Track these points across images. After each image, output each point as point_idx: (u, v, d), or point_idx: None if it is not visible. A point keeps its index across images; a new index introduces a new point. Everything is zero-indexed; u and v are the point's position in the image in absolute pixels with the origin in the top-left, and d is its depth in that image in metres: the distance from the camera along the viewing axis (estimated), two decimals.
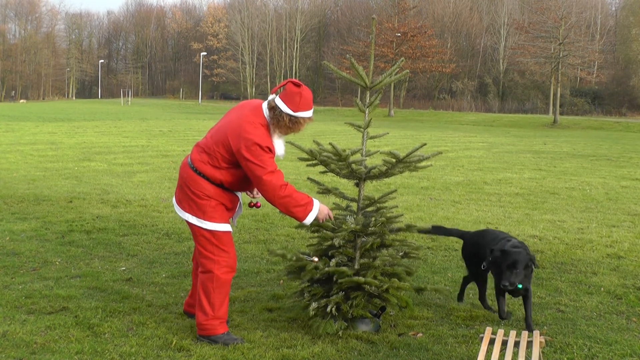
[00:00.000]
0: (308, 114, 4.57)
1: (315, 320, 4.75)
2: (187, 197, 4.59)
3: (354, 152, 4.87)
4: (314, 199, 4.60)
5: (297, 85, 4.52)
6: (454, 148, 22.95)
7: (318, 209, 4.58)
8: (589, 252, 7.52)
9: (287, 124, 4.53)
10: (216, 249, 4.56)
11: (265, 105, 4.57)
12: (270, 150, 4.46)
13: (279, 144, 4.62)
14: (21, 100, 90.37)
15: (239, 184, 4.64)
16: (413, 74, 62.29)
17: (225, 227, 4.61)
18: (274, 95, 4.57)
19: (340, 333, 4.71)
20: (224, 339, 4.57)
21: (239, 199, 4.80)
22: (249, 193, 4.86)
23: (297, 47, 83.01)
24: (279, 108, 4.49)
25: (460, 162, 17.72)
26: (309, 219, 4.55)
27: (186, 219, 4.64)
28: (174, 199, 4.81)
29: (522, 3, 72.29)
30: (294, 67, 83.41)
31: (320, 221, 4.65)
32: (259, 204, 4.91)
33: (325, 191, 5.14)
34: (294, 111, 4.49)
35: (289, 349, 4.50)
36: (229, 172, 4.53)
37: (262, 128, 4.49)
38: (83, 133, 25.35)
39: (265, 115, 4.53)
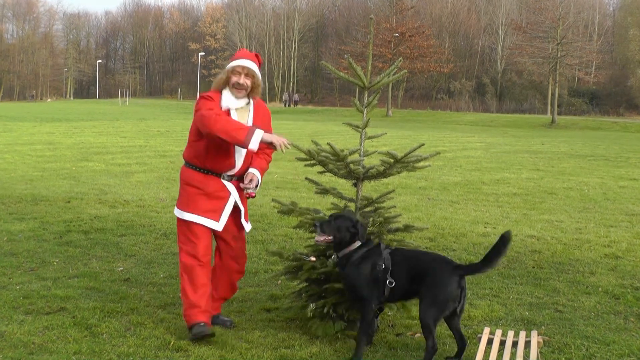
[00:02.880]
0: (235, 62, 4.68)
1: (313, 320, 4.75)
2: (179, 193, 4.81)
3: (352, 152, 4.87)
4: (252, 126, 4.51)
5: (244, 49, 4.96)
6: (452, 148, 22.96)
7: (261, 132, 4.40)
8: (587, 252, 7.53)
9: (222, 78, 4.70)
10: (184, 238, 4.70)
11: None
12: (211, 97, 4.64)
13: (227, 97, 4.68)
14: (48, 99, 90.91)
15: (208, 157, 4.64)
16: (411, 74, 62.28)
17: (195, 218, 4.62)
18: None
19: (338, 334, 4.71)
20: (194, 330, 4.55)
21: (227, 190, 4.71)
22: (241, 183, 4.78)
23: (295, 47, 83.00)
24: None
25: (458, 162, 17.73)
26: (253, 142, 4.34)
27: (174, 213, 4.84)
28: None
29: (519, 3, 72.35)
30: (292, 67, 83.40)
31: (278, 147, 4.46)
32: (252, 194, 4.82)
33: (323, 191, 5.14)
34: (230, 62, 4.72)
35: (287, 349, 4.50)
36: (195, 144, 4.68)
37: (215, 92, 4.72)
38: (81, 133, 25.32)
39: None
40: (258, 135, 4.38)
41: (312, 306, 4.73)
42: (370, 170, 4.90)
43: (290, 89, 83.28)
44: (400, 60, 5.20)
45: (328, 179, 7.89)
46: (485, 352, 3.93)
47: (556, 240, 8.11)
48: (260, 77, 4.80)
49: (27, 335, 4.60)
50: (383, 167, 4.87)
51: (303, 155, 4.93)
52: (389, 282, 4.35)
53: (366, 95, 5.12)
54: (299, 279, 4.93)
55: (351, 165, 4.83)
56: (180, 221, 4.73)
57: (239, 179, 4.80)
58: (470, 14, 78.05)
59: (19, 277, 6.00)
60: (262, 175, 4.89)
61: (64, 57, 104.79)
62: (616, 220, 9.68)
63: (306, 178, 5.45)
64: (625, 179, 14.88)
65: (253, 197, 4.86)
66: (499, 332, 4.19)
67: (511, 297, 5.80)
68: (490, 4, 77.13)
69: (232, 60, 4.73)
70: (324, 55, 75.57)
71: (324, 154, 4.84)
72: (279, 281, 6.00)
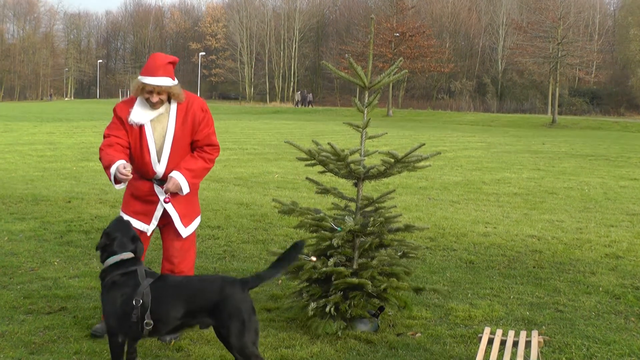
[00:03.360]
0: (145, 79, 4.39)
1: (314, 320, 4.75)
2: None
3: (352, 152, 4.87)
4: (116, 163, 4.30)
5: (154, 53, 4.55)
6: (453, 148, 22.95)
7: (115, 168, 4.29)
8: (588, 252, 7.53)
9: (134, 87, 4.48)
10: None
11: None
12: (116, 112, 4.55)
13: (137, 112, 4.49)
14: (66, 98, 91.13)
15: (133, 162, 4.61)
16: (411, 74, 62.23)
17: (131, 220, 4.55)
18: None
19: (339, 333, 4.71)
20: (97, 326, 4.64)
21: (154, 192, 4.63)
22: (162, 186, 4.65)
23: (295, 47, 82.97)
24: None
25: (459, 162, 17.72)
26: (111, 175, 4.34)
27: None
28: None
29: (520, 3, 72.27)
30: (292, 67, 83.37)
31: (121, 181, 4.33)
32: (166, 199, 4.62)
33: (323, 191, 5.15)
34: (140, 75, 4.45)
35: (287, 349, 4.50)
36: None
37: (131, 96, 4.61)
38: (81, 133, 25.32)
39: None
40: (112, 176, 4.33)
41: (312, 305, 4.73)
42: (371, 170, 4.90)
43: (291, 89, 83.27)
44: (400, 60, 5.20)
45: (329, 179, 7.89)
46: (485, 352, 3.93)
47: (557, 240, 8.11)
48: (176, 86, 4.52)
49: (28, 335, 4.60)
50: (384, 167, 4.87)
51: (304, 155, 4.93)
52: (146, 323, 3.74)
53: (367, 95, 5.12)
54: (300, 278, 4.94)
55: (352, 165, 4.83)
56: None
57: (164, 181, 4.66)
58: (471, 14, 78.01)
59: (19, 277, 6.01)
60: (190, 176, 4.62)
61: (64, 57, 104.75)
62: (617, 220, 9.67)
63: (307, 178, 5.45)
64: (626, 179, 14.87)
65: (166, 202, 4.62)
66: (499, 332, 4.18)
67: (512, 296, 5.80)
68: (491, 4, 77.06)
69: (142, 72, 4.45)
70: (325, 55, 75.55)
71: (324, 153, 4.85)
72: (280, 281, 6.00)
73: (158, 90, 4.40)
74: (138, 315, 3.73)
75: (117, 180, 4.35)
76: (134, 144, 4.53)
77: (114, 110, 4.58)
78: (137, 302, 3.74)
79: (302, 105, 70.59)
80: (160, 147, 4.57)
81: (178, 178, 4.58)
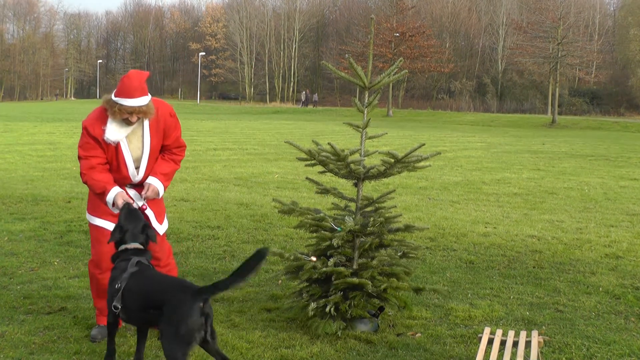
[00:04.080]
0: (122, 101, 4.33)
1: (314, 320, 4.75)
2: (88, 196, 4.81)
3: (352, 152, 4.87)
4: (112, 190, 4.44)
5: (128, 73, 4.44)
6: (453, 148, 22.95)
7: (111, 200, 4.44)
8: (588, 252, 7.53)
9: (110, 108, 4.40)
10: (91, 242, 4.77)
11: None
12: (88, 131, 4.45)
13: (112, 129, 4.44)
14: (72, 98, 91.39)
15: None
16: (411, 74, 62.27)
17: (101, 222, 4.64)
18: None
19: (339, 333, 4.71)
20: (93, 332, 4.64)
21: (132, 198, 4.63)
22: (137, 190, 4.71)
23: (295, 47, 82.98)
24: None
25: (459, 162, 17.72)
26: (108, 203, 4.48)
27: None
28: None
29: (520, 3, 72.27)
30: (292, 67, 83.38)
31: (119, 205, 4.41)
32: (143, 207, 4.67)
33: (323, 191, 5.15)
34: (115, 96, 4.37)
35: (287, 349, 4.50)
36: None
37: (98, 112, 4.51)
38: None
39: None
40: (110, 204, 4.45)
41: (312, 305, 4.73)
42: (371, 170, 4.90)
43: (292, 89, 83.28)
44: (400, 60, 5.20)
45: (329, 179, 7.89)
46: (485, 352, 3.93)
47: (557, 240, 8.11)
48: (151, 102, 4.49)
49: (28, 335, 4.60)
50: (384, 167, 4.87)
51: (304, 155, 4.93)
52: (114, 306, 3.95)
53: (367, 95, 5.12)
54: (300, 278, 4.94)
55: (352, 165, 4.83)
56: (90, 226, 4.77)
57: (141, 187, 4.72)
58: (471, 14, 78.01)
59: (19, 277, 6.01)
60: (165, 180, 4.73)
61: (64, 57, 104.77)
62: (617, 220, 9.67)
63: (307, 178, 5.45)
64: (626, 179, 14.87)
65: (144, 209, 4.65)
66: (499, 332, 4.18)
67: (512, 297, 5.80)
68: (491, 4, 77.06)
69: (117, 92, 4.35)
70: (325, 55, 75.56)
71: (324, 153, 4.85)
72: (280, 281, 6.00)
73: (137, 110, 4.38)
74: (114, 298, 3.96)
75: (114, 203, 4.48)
76: (110, 159, 4.55)
77: (85, 128, 4.46)
78: (118, 286, 3.98)
79: (306, 105, 70.54)
80: (138, 159, 4.62)
81: (156, 184, 4.67)
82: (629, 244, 8.00)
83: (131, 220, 4.25)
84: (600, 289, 6.08)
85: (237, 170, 14.64)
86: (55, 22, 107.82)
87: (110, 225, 4.60)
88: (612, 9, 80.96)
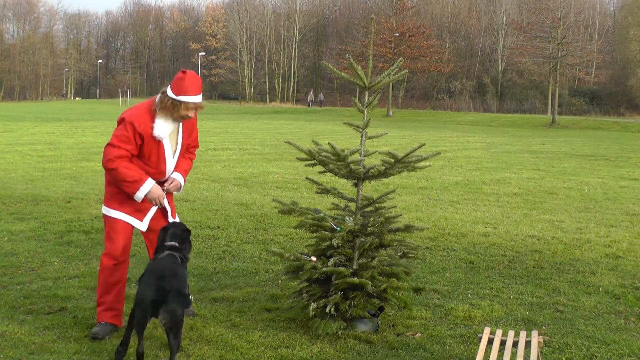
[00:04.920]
0: (189, 98, 4.61)
1: (314, 320, 4.75)
2: (106, 189, 4.87)
3: (352, 152, 4.87)
4: (149, 180, 4.68)
5: (183, 72, 4.69)
6: (453, 148, 22.96)
7: (148, 190, 4.67)
8: (588, 252, 7.53)
9: (167, 106, 4.62)
10: (106, 233, 4.80)
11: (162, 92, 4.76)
12: (134, 126, 4.58)
13: (162, 126, 4.66)
14: (77, 98, 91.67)
15: (142, 167, 4.77)
16: (411, 74, 62.29)
17: (119, 214, 4.75)
18: None
19: (339, 333, 4.71)
20: (95, 328, 4.66)
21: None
22: (164, 186, 4.92)
23: (295, 47, 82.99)
24: (165, 92, 4.65)
25: (459, 162, 17.73)
26: (137, 196, 4.67)
27: None
28: None
29: (520, 3, 72.29)
30: (292, 67, 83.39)
31: (152, 203, 4.75)
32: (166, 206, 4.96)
33: (323, 191, 5.15)
34: (176, 95, 4.60)
35: (287, 349, 4.50)
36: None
37: (144, 109, 4.68)
38: (81, 133, 25.34)
39: (156, 100, 4.70)
40: (143, 193, 4.66)
41: (313, 306, 4.73)
42: (371, 170, 4.90)
43: (291, 89, 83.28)
44: (400, 60, 5.20)
45: (329, 179, 7.90)
46: (485, 352, 3.93)
47: (557, 240, 8.11)
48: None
49: (28, 335, 4.60)
50: (384, 167, 4.87)
51: (304, 155, 4.93)
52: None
53: (367, 95, 5.12)
54: (300, 278, 4.94)
55: (352, 165, 4.83)
56: (104, 218, 4.83)
57: (164, 181, 4.94)
58: (471, 14, 78.01)
59: (19, 277, 6.01)
60: (185, 176, 5.06)
61: (64, 57, 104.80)
62: (617, 220, 9.67)
63: (307, 178, 5.45)
64: (626, 179, 14.87)
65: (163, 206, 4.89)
66: (499, 332, 4.18)
67: (512, 297, 5.80)
68: (491, 4, 77.07)
69: (179, 91, 4.59)
70: (325, 55, 75.56)
71: (324, 153, 4.85)
72: (280, 281, 6.00)
73: (199, 106, 4.71)
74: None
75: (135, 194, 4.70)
76: (149, 154, 4.71)
77: (131, 123, 4.59)
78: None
79: (312, 105, 70.55)
80: (173, 156, 4.86)
81: (180, 179, 4.98)
82: (629, 244, 8.00)
83: (175, 225, 4.76)
84: (600, 289, 6.08)
85: (237, 170, 14.64)
86: (55, 22, 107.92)
87: (127, 218, 4.75)
88: (612, 9, 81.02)
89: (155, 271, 4.25)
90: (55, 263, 6.53)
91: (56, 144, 20.07)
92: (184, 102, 4.60)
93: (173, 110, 4.62)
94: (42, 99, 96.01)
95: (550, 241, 8.05)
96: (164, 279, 4.11)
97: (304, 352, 4.45)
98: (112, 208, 4.78)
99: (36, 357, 4.27)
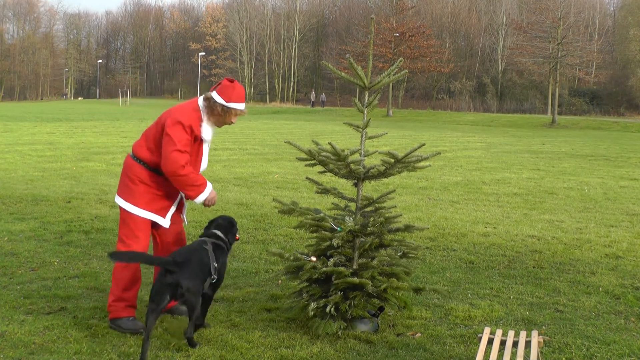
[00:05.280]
0: (239, 106, 4.86)
1: (314, 320, 4.75)
2: (123, 184, 4.91)
3: (352, 152, 4.87)
4: (208, 183, 4.89)
5: (231, 81, 4.91)
6: (453, 148, 22.96)
7: (209, 192, 4.87)
8: (588, 252, 7.53)
9: (219, 113, 4.83)
10: (130, 232, 4.82)
11: (200, 97, 4.93)
12: (192, 130, 4.74)
13: (207, 130, 4.86)
14: (79, 98, 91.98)
15: None
16: (411, 74, 62.28)
17: (145, 214, 4.83)
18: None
19: (339, 333, 4.72)
20: (126, 324, 4.71)
21: (178, 193, 4.97)
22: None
23: (295, 47, 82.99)
24: (213, 99, 4.83)
25: (459, 162, 17.73)
26: (199, 199, 4.84)
27: (117, 202, 4.92)
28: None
29: (520, 3, 72.30)
30: (292, 67, 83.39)
31: (205, 204, 4.91)
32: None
33: (323, 191, 5.15)
34: (226, 102, 4.81)
35: (287, 349, 4.50)
36: (160, 153, 4.79)
37: (194, 112, 4.82)
38: (81, 133, 25.33)
39: (200, 105, 4.85)
40: (204, 195, 4.84)
41: (313, 305, 4.73)
42: (371, 170, 4.90)
43: (291, 89, 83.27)
44: (400, 60, 5.20)
45: (329, 179, 7.90)
46: (485, 352, 3.93)
47: (557, 240, 8.11)
48: None
49: (28, 335, 4.60)
50: (384, 167, 4.87)
51: (304, 155, 4.93)
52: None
53: (367, 95, 5.12)
54: (300, 278, 4.94)
55: (352, 165, 4.83)
56: (127, 215, 4.85)
57: None
58: (471, 14, 78.03)
59: (19, 277, 6.01)
60: None
61: (64, 57, 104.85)
62: (617, 220, 9.68)
63: (307, 178, 5.45)
64: (626, 179, 14.87)
65: (187, 199, 5.06)
66: (499, 332, 4.18)
67: (512, 297, 5.80)
68: (491, 4, 77.08)
69: (230, 99, 4.81)
70: (325, 55, 75.58)
71: (324, 153, 4.85)
72: (280, 281, 6.00)
73: (242, 114, 4.96)
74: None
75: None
76: (191, 156, 4.84)
77: (190, 127, 4.73)
78: None
79: (314, 105, 70.50)
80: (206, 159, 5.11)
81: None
82: (629, 244, 8.00)
83: (223, 218, 5.14)
84: (600, 289, 6.08)
85: (237, 170, 14.64)
86: (55, 22, 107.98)
87: (153, 216, 4.86)
88: (612, 9, 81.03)
89: (179, 251, 4.63)
90: (55, 263, 6.53)
91: (56, 144, 20.06)
92: (234, 109, 4.83)
93: (223, 116, 4.84)
94: (42, 99, 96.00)
95: (550, 241, 8.05)
96: (181, 255, 4.49)
97: (304, 352, 4.45)
98: (140, 207, 4.82)
99: (36, 357, 4.27)
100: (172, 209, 4.99)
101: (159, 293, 4.29)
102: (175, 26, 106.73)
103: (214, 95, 4.81)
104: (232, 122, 4.93)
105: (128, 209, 4.83)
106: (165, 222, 4.93)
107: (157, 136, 4.80)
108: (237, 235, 5.12)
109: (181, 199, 5.05)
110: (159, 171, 4.81)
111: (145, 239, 4.87)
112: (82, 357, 4.30)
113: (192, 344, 4.44)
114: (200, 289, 4.44)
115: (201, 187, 4.81)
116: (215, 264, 4.64)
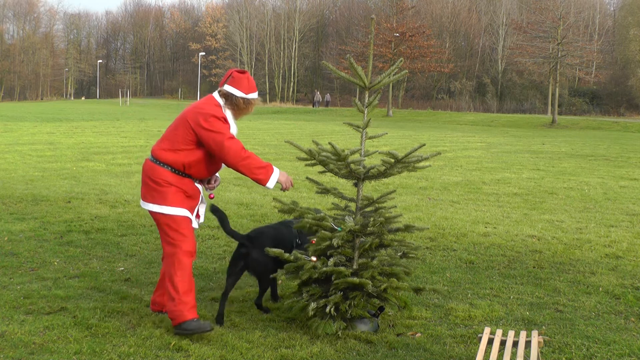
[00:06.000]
0: (256, 95, 4.95)
1: (314, 320, 4.75)
2: (149, 188, 4.81)
3: (352, 152, 4.87)
4: (273, 165, 4.82)
5: (242, 71, 4.89)
6: (453, 148, 22.95)
7: (279, 173, 4.80)
8: (588, 252, 7.53)
9: (242, 106, 4.87)
10: (176, 234, 4.74)
11: (216, 93, 4.87)
12: (226, 120, 4.76)
13: (233, 125, 4.88)
14: (82, 98, 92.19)
15: (198, 166, 4.81)
16: (411, 74, 62.26)
17: (184, 212, 4.79)
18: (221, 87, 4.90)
19: (339, 333, 4.72)
20: (193, 325, 4.64)
21: (199, 191, 4.95)
22: (205, 185, 5.03)
23: (295, 47, 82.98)
24: (232, 94, 4.81)
25: (459, 162, 17.73)
26: (271, 182, 4.75)
27: (149, 209, 4.82)
28: (140, 200, 4.96)
29: (520, 3, 72.30)
30: (292, 67, 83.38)
31: (283, 187, 4.85)
32: (212, 196, 5.14)
33: (323, 191, 5.14)
34: (246, 94, 4.85)
35: (287, 349, 4.50)
36: (189, 153, 4.75)
37: (217, 107, 4.80)
38: (81, 133, 25.33)
39: (219, 101, 4.83)
40: (275, 177, 4.76)
41: (312, 305, 4.73)
42: (371, 170, 4.90)
43: (291, 89, 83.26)
44: (401, 60, 5.19)
45: (329, 179, 7.90)
46: (485, 352, 3.93)
47: (557, 240, 8.11)
48: None
49: (28, 335, 4.60)
50: (384, 167, 4.87)
51: (304, 155, 4.93)
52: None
53: (367, 95, 5.12)
54: (300, 278, 4.94)
55: (352, 165, 4.83)
56: (168, 219, 4.74)
57: (210, 179, 5.08)
58: (471, 14, 78.01)
59: (19, 277, 6.01)
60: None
61: (64, 57, 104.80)
62: (617, 220, 9.68)
63: (307, 178, 5.45)
64: (626, 179, 14.87)
65: (212, 198, 5.14)
66: (499, 332, 4.18)
67: (512, 297, 5.80)
68: (491, 4, 77.06)
69: (249, 90, 4.85)
70: (325, 55, 75.56)
71: (324, 153, 4.85)
72: (280, 281, 6.00)
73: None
74: None
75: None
76: (212, 155, 4.82)
77: (224, 118, 4.74)
78: None
79: (318, 105, 70.42)
80: None
81: (220, 178, 5.21)
82: (629, 244, 8.00)
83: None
84: (600, 289, 6.08)
85: None
86: (55, 22, 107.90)
87: (189, 214, 4.82)
88: (612, 9, 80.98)
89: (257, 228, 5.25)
90: (55, 263, 6.53)
91: (56, 144, 20.06)
92: (253, 99, 4.90)
93: (246, 108, 4.88)
94: (42, 99, 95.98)
95: (550, 241, 8.05)
96: (255, 231, 5.16)
97: (304, 352, 4.45)
98: (178, 206, 4.75)
99: (36, 357, 4.27)
100: (201, 209, 5.01)
101: (235, 259, 5.06)
102: (175, 26, 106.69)
103: (230, 89, 4.78)
104: (251, 112, 4.94)
105: (166, 211, 4.72)
106: (195, 222, 4.91)
107: (188, 137, 4.70)
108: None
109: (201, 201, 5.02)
110: (182, 173, 4.77)
111: (192, 236, 4.79)
112: (82, 357, 4.30)
113: (262, 309, 5.19)
114: (266, 261, 4.97)
115: (269, 169, 4.74)
116: (298, 240, 5.26)
